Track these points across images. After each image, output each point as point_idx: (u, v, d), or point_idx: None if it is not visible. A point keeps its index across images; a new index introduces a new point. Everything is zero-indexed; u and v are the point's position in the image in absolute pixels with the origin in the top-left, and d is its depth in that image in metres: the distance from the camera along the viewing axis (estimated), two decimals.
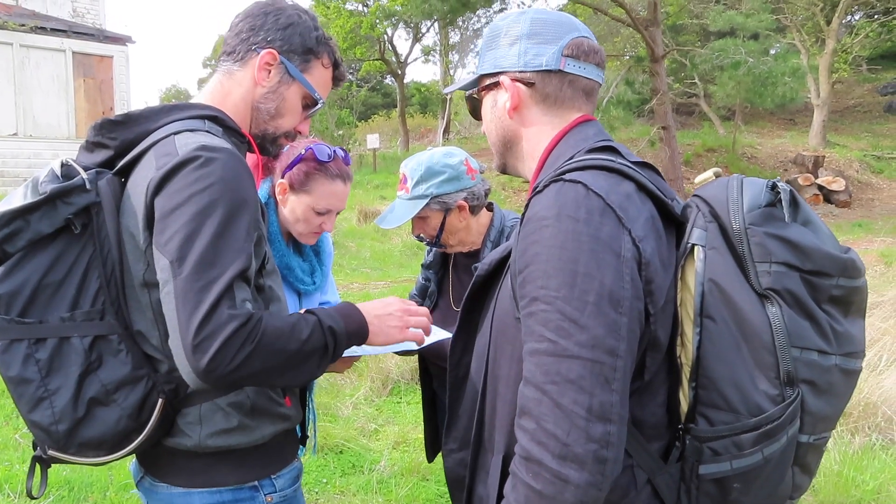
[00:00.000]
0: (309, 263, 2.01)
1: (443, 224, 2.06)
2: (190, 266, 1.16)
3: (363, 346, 1.63)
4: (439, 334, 1.82)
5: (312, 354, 1.26)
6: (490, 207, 2.20)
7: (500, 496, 1.09)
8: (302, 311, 1.35)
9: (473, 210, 2.08)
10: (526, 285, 1.05)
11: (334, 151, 1.87)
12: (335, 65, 1.51)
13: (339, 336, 1.31)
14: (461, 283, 2.20)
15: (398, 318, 1.44)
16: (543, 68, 1.22)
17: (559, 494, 0.96)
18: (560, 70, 1.22)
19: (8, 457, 3.86)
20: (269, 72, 1.42)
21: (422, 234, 2.12)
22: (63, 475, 3.54)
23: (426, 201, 2.02)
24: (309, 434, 2.01)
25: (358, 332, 1.37)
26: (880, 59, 24.11)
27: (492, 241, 2.10)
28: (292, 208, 1.89)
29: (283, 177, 1.87)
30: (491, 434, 1.21)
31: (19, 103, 15.27)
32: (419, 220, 2.08)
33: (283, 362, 1.22)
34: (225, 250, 1.19)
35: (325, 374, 2.63)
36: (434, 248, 2.26)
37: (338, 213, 1.94)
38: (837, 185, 16.45)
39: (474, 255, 2.15)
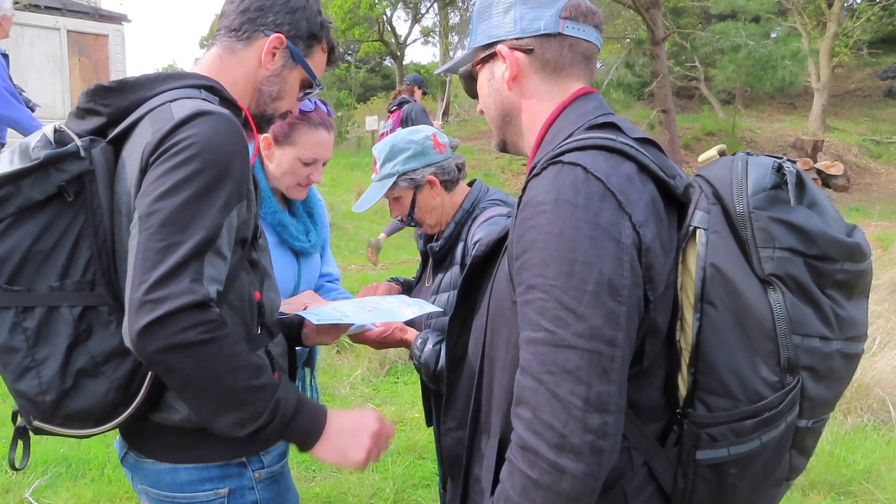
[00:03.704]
0: (302, 223, 2.01)
1: (413, 201, 2.02)
2: (156, 223, 1.13)
3: (342, 316, 1.60)
4: (426, 307, 1.81)
5: (242, 406, 1.17)
6: (471, 184, 2.13)
7: (497, 479, 1.07)
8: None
9: (446, 185, 2.03)
10: (523, 272, 1.03)
11: (315, 103, 1.87)
12: (331, 49, 1.53)
13: (279, 416, 1.19)
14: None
15: (362, 444, 1.31)
16: (542, 32, 1.18)
17: (555, 484, 0.95)
18: (559, 33, 1.18)
19: (7, 433, 3.87)
20: (275, 55, 1.42)
21: (400, 216, 2.09)
22: (61, 452, 3.56)
23: (394, 179, 1.99)
24: None
25: (303, 431, 1.24)
26: (881, 44, 23.90)
27: (456, 222, 2.02)
28: (278, 162, 1.89)
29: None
30: (487, 416, 1.20)
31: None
32: (394, 201, 2.06)
33: (214, 387, 1.13)
34: (197, 216, 1.16)
35: (322, 354, 2.62)
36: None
37: (324, 164, 1.93)
38: (836, 169, 16.41)
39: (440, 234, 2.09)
